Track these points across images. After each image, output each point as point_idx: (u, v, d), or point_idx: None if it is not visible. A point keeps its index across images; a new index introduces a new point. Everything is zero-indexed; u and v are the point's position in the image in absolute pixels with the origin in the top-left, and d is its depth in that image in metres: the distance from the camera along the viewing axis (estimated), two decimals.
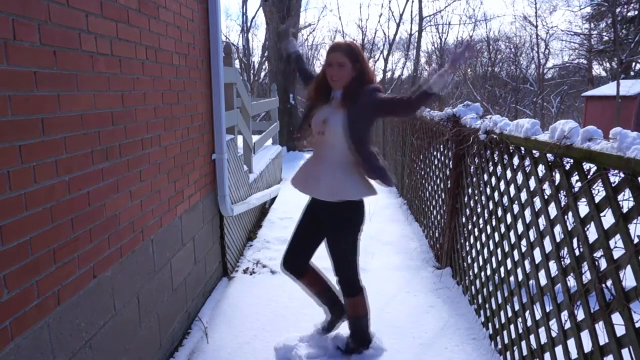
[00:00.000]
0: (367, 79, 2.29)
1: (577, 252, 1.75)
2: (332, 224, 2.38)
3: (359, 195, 2.32)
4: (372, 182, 2.37)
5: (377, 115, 2.34)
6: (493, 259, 2.68)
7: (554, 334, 1.95)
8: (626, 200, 1.47)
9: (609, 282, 1.55)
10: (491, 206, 2.70)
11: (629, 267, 1.43)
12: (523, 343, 2.25)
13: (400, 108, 2.23)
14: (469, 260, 3.16)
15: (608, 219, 1.55)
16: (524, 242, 2.24)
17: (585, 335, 1.71)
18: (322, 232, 2.47)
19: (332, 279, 2.59)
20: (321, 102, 2.38)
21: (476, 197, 3.02)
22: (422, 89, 2.14)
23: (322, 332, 2.69)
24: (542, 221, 2.05)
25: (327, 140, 2.31)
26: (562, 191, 1.84)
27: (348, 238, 2.38)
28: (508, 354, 2.43)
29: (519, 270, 2.29)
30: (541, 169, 2.03)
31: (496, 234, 2.62)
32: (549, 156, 1.92)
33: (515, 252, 2.33)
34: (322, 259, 2.63)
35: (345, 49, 2.25)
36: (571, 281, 1.81)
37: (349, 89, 2.27)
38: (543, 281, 2.05)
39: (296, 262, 2.57)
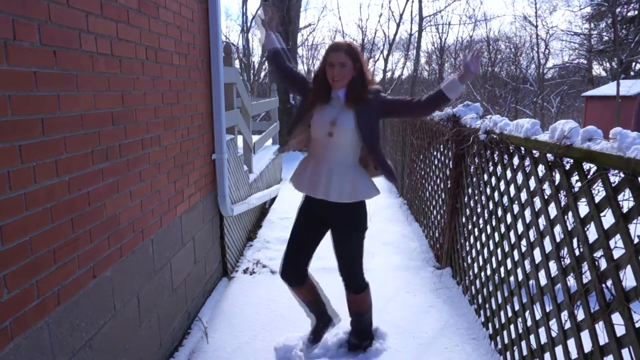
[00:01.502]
0: (367, 79, 2.29)
1: (577, 252, 1.75)
2: (342, 224, 2.38)
3: (370, 195, 2.33)
4: (375, 179, 2.41)
5: (385, 115, 2.36)
6: (493, 259, 2.68)
7: (554, 334, 1.95)
8: (626, 200, 1.47)
9: (609, 282, 1.55)
10: (491, 206, 2.70)
11: (629, 267, 1.43)
12: (523, 343, 2.25)
13: (411, 109, 2.31)
14: (469, 260, 3.16)
15: (608, 219, 1.55)
16: (524, 242, 2.24)
17: (585, 335, 1.71)
18: (320, 235, 2.48)
19: (323, 281, 2.61)
20: (320, 103, 2.34)
21: (476, 197, 3.02)
22: (439, 93, 2.23)
23: (311, 344, 2.65)
24: (542, 221, 2.05)
25: (336, 141, 2.28)
26: (562, 191, 1.84)
27: (357, 236, 2.40)
28: (508, 354, 2.43)
29: (519, 270, 2.29)
30: (541, 169, 2.03)
31: (496, 234, 2.62)
32: (549, 156, 1.92)
33: (515, 252, 2.33)
34: (321, 260, 2.63)
35: (347, 49, 2.24)
36: (571, 281, 1.81)
37: (353, 89, 2.27)
38: (543, 281, 2.05)
39: (298, 269, 2.51)
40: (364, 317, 2.58)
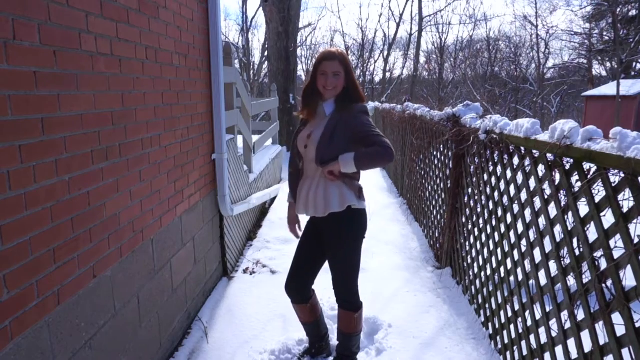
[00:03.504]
0: (357, 94, 2.22)
1: (577, 252, 1.75)
2: (330, 236, 2.27)
3: (342, 206, 2.18)
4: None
5: (355, 141, 2.15)
6: (493, 259, 2.68)
7: (554, 334, 1.95)
8: (626, 200, 1.47)
9: (609, 282, 1.55)
10: (491, 206, 2.70)
11: (629, 267, 1.43)
12: (523, 343, 2.25)
13: (376, 151, 2.10)
14: (469, 260, 3.16)
15: (608, 218, 1.55)
16: (524, 242, 2.24)
17: (585, 335, 1.71)
18: (323, 249, 2.36)
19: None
20: (309, 118, 2.31)
21: (476, 197, 3.02)
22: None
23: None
24: (542, 221, 2.05)
25: (308, 153, 2.24)
26: (562, 191, 1.84)
27: (349, 246, 2.27)
28: (508, 353, 2.43)
29: (519, 270, 2.29)
30: (541, 169, 2.03)
31: (496, 234, 2.62)
32: (549, 156, 1.92)
33: (515, 252, 2.33)
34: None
35: (341, 58, 2.17)
36: (571, 281, 1.82)
37: (342, 100, 2.20)
38: (543, 281, 2.05)
39: (300, 285, 2.42)
40: (352, 339, 2.41)
